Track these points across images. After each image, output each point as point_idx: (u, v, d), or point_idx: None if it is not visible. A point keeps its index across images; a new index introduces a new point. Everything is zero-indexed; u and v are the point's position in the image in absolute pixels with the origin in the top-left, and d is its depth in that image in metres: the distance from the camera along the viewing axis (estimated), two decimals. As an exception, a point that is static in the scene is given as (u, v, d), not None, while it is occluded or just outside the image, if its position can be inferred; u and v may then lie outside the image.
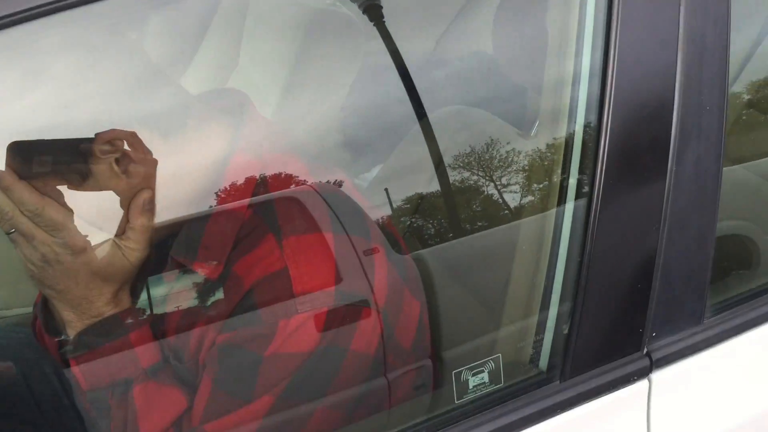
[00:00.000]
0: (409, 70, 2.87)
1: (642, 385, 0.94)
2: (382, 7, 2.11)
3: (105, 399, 0.89)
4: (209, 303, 0.92)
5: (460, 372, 0.89)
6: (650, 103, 0.84)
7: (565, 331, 0.90)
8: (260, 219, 0.93)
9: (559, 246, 0.91)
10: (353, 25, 1.89)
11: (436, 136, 1.43)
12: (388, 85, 2.55)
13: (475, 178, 1.28)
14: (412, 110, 2.30)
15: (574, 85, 0.87)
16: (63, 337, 0.90)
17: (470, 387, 0.89)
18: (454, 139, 1.42)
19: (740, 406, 1.01)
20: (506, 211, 1.19)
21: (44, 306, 0.94)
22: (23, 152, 0.82)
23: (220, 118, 1.01)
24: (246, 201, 0.94)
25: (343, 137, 1.62)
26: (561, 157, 0.92)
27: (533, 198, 1.03)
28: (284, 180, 0.99)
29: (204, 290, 0.93)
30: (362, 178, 1.52)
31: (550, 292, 0.92)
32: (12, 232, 0.82)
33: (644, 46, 0.83)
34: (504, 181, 1.21)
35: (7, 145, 0.80)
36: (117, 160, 0.85)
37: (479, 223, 1.26)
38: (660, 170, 0.87)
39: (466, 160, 1.31)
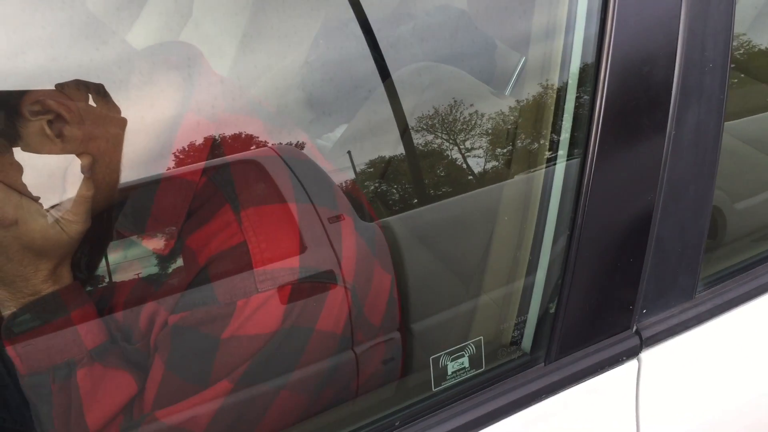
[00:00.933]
0: (375, 24, 2.76)
1: (631, 365, 0.87)
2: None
3: (46, 384, 0.83)
4: (160, 280, 0.86)
5: (438, 357, 0.81)
6: (651, 58, 0.76)
7: (552, 310, 0.83)
8: (215, 187, 0.84)
9: (546, 216, 0.83)
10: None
11: (405, 94, 1.35)
12: (353, 39, 2.44)
13: (449, 139, 1.20)
14: (379, 67, 2.20)
15: (567, 33, 0.78)
16: None
17: (449, 373, 0.82)
18: (424, 97, 1.34)
19: (732, 386, 0.96)
20: (485, 176, 1.11)
21: None
22: None
23: (168, 74, 0.91)
24: (199, 166, 0.86)
25: (305, 94, 1.53)
26: (550, 115, 0.84)
27: (516, 161, 0.95)
28: (242, 142, 0.90)
29: (154, 266, 0.86)
30: (326, 139, 1.44)
31: (536, 267, 0.84)
32: None
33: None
34: (482, 142, 1.13)
35: None
36: (50, 122, 0.77)
37: (454, 189, 1.18)
38: (659, 133, 0.79)
39: (438, 120, 1.23)
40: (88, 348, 0.84)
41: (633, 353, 0.87)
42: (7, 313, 0.81)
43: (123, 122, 0.82)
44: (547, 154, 0.85)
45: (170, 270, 0.85)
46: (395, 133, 1.26)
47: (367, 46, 2.31)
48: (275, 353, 0.83)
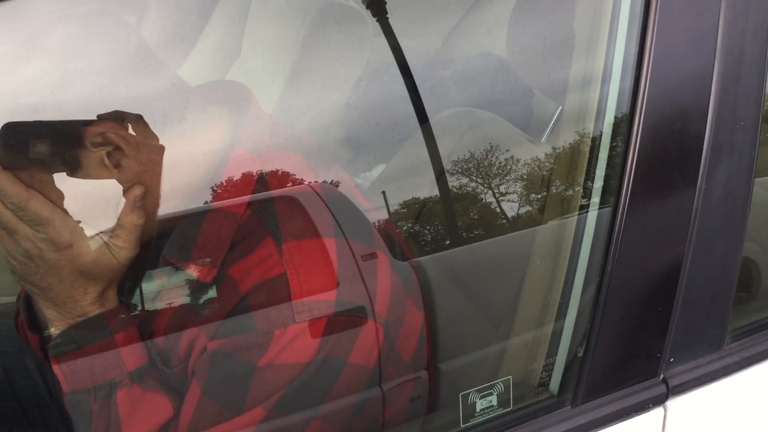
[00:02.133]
0: (416, 68, 2.82)
1: (657, 412, 0.88)
2: (385, 3, 2.07)
3: (87, 402, 0.85)
4: (202, 307, 0.88)
5: (468, 394, 0.83)
6: (684, 114, 0.79)
7: (580, 354, 0.84)
8: (259, 220, 0.88)
9: (577, 262, 0.85)
10: (360, 16, 1.83)
11: (443, 137, 1.38)
12: (394, 82, 2.49)
13: (483, 183, 1.23)
14: (418, 109, 2.25)
15: (603, 85, 0.82)
16: (45, 335, 0.86)
17: (477, 410, 0.84)
18: (462, 141, 1.37)
19: (759, 439, 0.96)
20: (518, 220, 1.14)
21: (27, 301, 0.89)
22: (8, 138, 0.76)
23: (220, 111, 0.96)
24: (245, 199, 0.89)
25: (346, 134, 1.57)
26: (584, 164, 0.86)
27: (550, 207, 0.97)
28: (284, 178, 0.94)
29: (196, 293, 0.88)
30: (364, 177, 1.47)
31: (566, 311, 0.87)
32: None
33: (681, 50, 0.78)
34: (517, 187, 1.16)
35: None
36: (108, 153, 0.81)
37: (487, 232, 1.21)
38: (689, 186, 0.81)
39: (474, 164, 1.27)
40: (129, 370, 0.86)
41: (659, 401, 0.88)
42: (55, 332, 0.84)
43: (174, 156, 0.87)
44: (581, 201, 0.88)
45: (211, 298, 0.87)
46: (431, 175, 1.30)
47: (407, 90, 2.36)
48: (309, 383, 0.85)
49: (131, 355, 0.87)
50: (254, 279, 0.84)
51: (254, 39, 1.70)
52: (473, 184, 1.22)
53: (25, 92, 0.84)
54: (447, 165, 1.31)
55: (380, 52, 2.50)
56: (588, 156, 0.86)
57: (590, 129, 0.86)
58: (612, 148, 0.83)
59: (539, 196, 1.09)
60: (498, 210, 1.20)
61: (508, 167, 1.21)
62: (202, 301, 0.88)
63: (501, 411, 0.86)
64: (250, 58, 1.78)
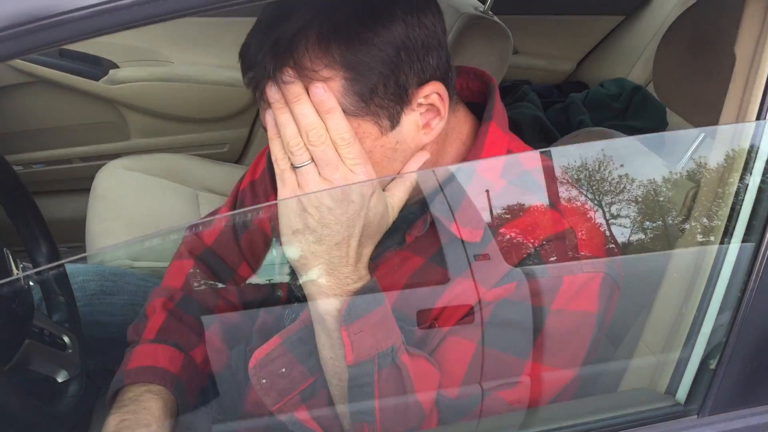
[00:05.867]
0: (548, 89, 2.85)
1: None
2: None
3: (370, 372, 0.84)
4: (462, 263, 0.90)
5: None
6: None
7: (712, 366, 0.87)
8: (517, 189, 0.92)
9: (714, 288, 0.88)
10: (503, 32, 1.89)
11: (576, 156, 1.41)
12: (524, 100, 2.54)
13: (620, 207, 1.26)
14: (548, 129, 2.29)
15: (759, 114, 0.84)
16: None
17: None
18: (595, 161, 1.39)
19: None
20: (650, 243, 1.16)
21: None
22: (354, 82, 0.79)
23: None
24: (498, 170, 0.93)
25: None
26: (729, 197, 0.88)
27: (688, 234, 1.00)
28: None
29: (465, 250, 0.90)
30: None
31: (700, 325, 0.90)
32: (305, 165, 0.78)
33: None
34: (653, 212, 1.18)
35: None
36: (421, 114, 0.84)
37: (623, 251, 1.24)
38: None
39: (607, 185, 1.30)
40: (399, 334, 0.86)
41: (789, 424, 0.90)
42: (330, 302, 0.83)
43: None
44: (721, 233, 0.89)
45: (480, 253, 0.89)
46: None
47: (539, 111, 2.39)
48: (597, 334, 0.90)
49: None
50: (541, 233, 0.87)
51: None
52: (608, 206, 1.25)
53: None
54: (582, 183, 1.35)
55: (513, 69, 2.56)
56: (734, 188, 0.88)
57: (740, 162, 0.88)
58: (762, 183, 0.84)
59: (677, 222, 1.11)
60: (632, 231, 1.23)
61: (642, 190, 1.23)
62: (472, 256, 0.89)
63: (626, 412, 0.89)
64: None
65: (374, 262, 0.91)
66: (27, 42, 0.58)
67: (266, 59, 0.77)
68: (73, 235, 2.08)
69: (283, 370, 0.94)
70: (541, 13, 2.67)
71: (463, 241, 0.88)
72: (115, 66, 2.22)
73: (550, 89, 2.72)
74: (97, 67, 2.20)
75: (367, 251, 0.84)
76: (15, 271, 1.01)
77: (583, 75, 2.82)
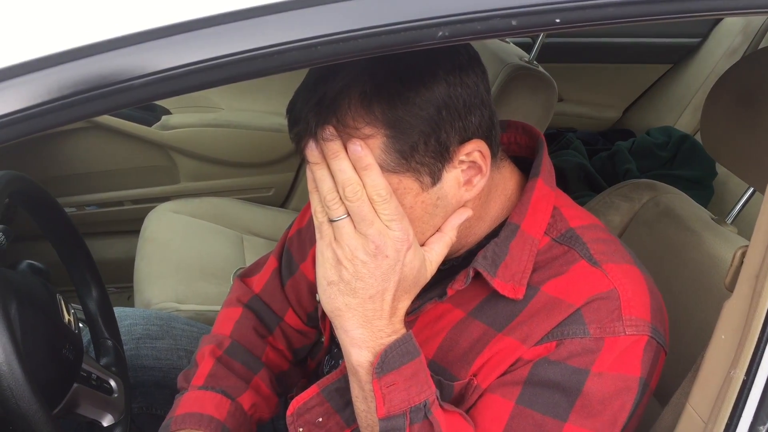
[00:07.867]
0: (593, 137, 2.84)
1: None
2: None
3: (401, 427, 0.83)
4: (508, 320, 0.90)
5: None
6: None
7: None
8: (563, 246, 0.91)
9: (765, 348, 0.85)
10: (548, 82, 1.90)
11: (621, 207, 1.40)
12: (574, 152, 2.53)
13: (663, 257, 1.24)
14: (593, 177, 2.27)
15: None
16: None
17: None
18: (640, 213, 1.38)
19: None
20: (705, 301, 1.14)
21: None
22: (395, 140, 0.79)
23: None
24: (542, 227, 0.92)
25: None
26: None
27: (738, 291, 0.98)
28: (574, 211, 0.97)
29: (501, 306, 0.90)
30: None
31: (749, 390, 0.87)
32: (341, 219, 0.80)
33: None
34: (698, 264, 1.16)
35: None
36: (462, 171, 0.85)
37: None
38: None
39: (653, 239, 1.28)
40: (433, 389, 0.85)
41: None
42: (362, 354, 0.83)
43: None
44: None
45: (522, 310, 0.89)
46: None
47: (584, 159, 2.39)
48: (639, 399, 0.87)
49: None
50: (583, 293, 0.87)
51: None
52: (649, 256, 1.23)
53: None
54: (622, 235, 1.33)
55: (557, 117, 2.56)
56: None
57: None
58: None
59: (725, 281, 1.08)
60: (674, 291, 1.21)
61: (688, 243, 1.22)
62: (514, 313, 0.89)
63: None
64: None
65: (414, 314, 0.92)
66: (99, 105, 0.62)
67: (310, 116, 0.79)
68: (121, 276, 2.13)
69: (320, 419, 0.95)
70: (587, 61, 2.68)
71: (505, 297, 0.88)
72: (168, 112, 2.30)
73: (596, 137, 2.71)
74: (151, 113, 2.28)
75: (403, 305, 0.84)
76: (67, 316, 1.04)
77: (628, 123, 2.80)
